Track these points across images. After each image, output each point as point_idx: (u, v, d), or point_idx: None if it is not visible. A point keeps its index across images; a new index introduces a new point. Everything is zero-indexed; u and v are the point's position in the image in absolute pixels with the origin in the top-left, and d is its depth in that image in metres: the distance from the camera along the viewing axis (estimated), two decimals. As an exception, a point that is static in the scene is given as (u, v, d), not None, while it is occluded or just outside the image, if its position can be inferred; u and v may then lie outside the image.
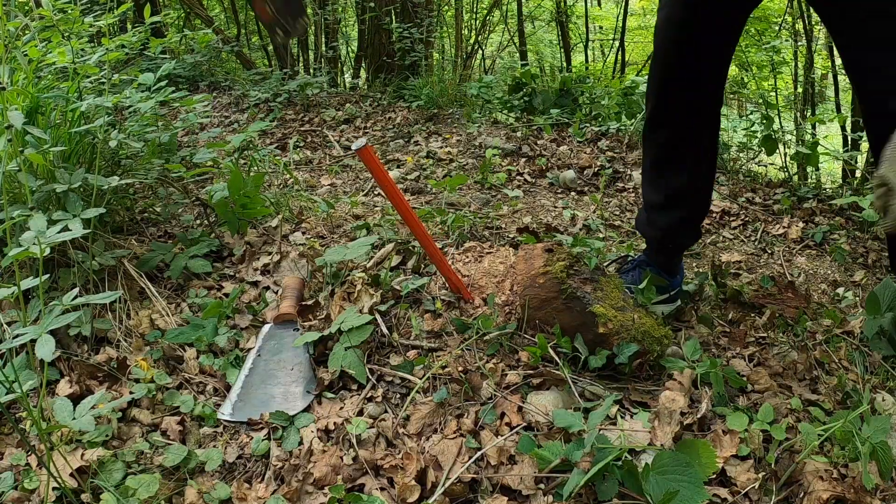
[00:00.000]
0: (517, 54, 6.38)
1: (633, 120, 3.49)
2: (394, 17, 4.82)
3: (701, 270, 1.95)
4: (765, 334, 1.65)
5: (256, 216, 1.94)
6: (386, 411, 1.32)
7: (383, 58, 4.75)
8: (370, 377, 1.39)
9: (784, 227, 2.41)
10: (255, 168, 2.49)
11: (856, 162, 3.38)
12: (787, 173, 3.26)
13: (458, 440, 1.21)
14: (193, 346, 1.51)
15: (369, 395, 1.35)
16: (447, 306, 1.55)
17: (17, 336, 1.07)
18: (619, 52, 6.31)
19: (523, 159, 3.01)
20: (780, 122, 3.55)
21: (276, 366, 1.45)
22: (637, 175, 2.90)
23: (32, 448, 1.20)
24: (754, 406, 1.38)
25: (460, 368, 1.36)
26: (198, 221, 2.00)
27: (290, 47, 5.28)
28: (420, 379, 1.36)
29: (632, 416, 1.29)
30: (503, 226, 2.19)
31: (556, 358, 1.38)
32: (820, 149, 3.01)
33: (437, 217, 2.05)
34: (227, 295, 1.69)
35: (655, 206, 1.65)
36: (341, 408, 1.33)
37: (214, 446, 1.27)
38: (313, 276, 1.74)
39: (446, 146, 3.21)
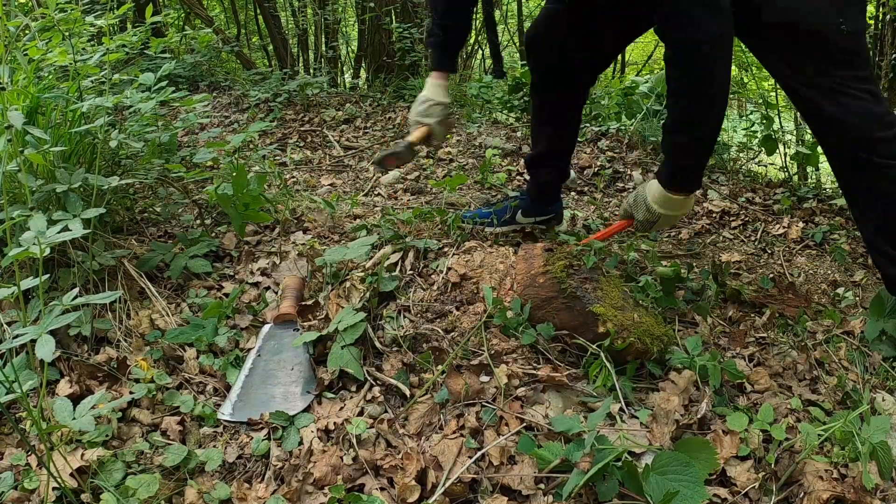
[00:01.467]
0: (517, 54, 6.37)
1: (633, 120, 3.49)
2: (394, 17, 4.82)
3: (698, 270, 1.94)
4: (765, 334, 1.65)
5: (257, 220, 1.93)
6: (386, 411, 1.32)
7: (383, 58, 4.74)
8: (369, 378, 1.39)
9: (784, 227, 2.41)
10: (258, 168, 2.49)
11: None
12: (787, 173, 3.26)
13: (459, 440, 1.21)
14: (193, 346, 1.51)
15: (369, 395, 1.35)
16: (445, 302, 1.55)
17: (17, 336, 1.07)
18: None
19: (523, 159, 3.01)
20: (780, 122, 3.55)
21: (276, 366, 1.45)
22: (637, 175, 2.90)
23: (32, 448, 1.20)
24: (754, 406, 1.38)
25: (460, 369, 1.36)
26: (197, 222, 2.00)
27: (291, 47, 5.28)
28: (418, 380, 1.36)
29: (632, 417, 1.29)
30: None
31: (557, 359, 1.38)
32: (820, 149, 3.01)
33: (436, 217, 2.05)
34: (227, 295, 1.69)
35: (535, 157, 2.10)
36: (341, 408, 1.33)
37: (214, 446, 1.27)
38: (313, 276, 1.74)
39: (446, 146, 3.21)
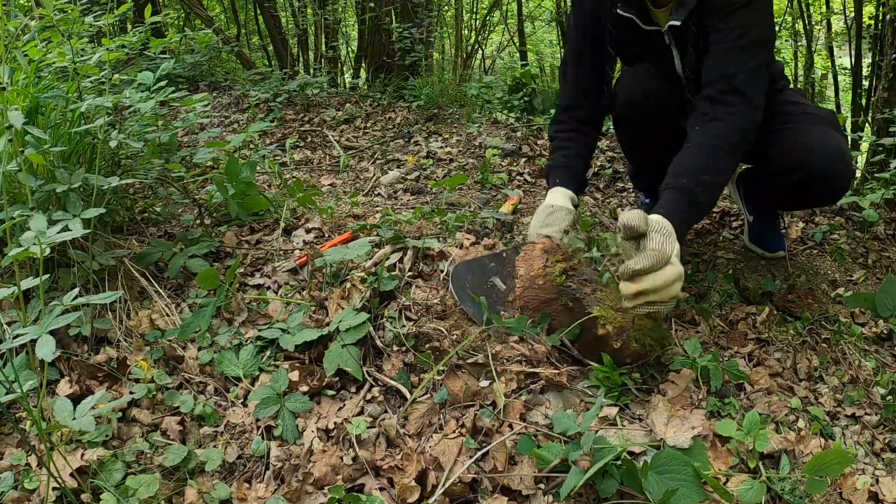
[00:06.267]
0: (517, 54, 6.38)
1: (633, 120, 3.48)
2: (394, 17, 4.81)
3: (703, 273, 1.94)
4: (765, 334, 1.64)
5: (255, 208, 1.93)
6: (386, 411, 1.32)
7: (383, 58, 4.74)
8: (368, 378, 1.39)
9: (784, 227, 2.40)
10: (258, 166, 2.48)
11: (856, 162, 3.37)
12: (787, 173, 3.25)
13: (459, 440, 1.21)
14: (195, 342, 1.51)
15: (369, 395, 1.35)
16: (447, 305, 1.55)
17: (17, 336, 1.07)
18: (619, 52, 6.27)
19: (523, 159, 3.01)
20: (780, 122, 3.54)
21: None
22: (637, 175, 2.90)
23: (32, 448, 1.20)
24: (752, 406, 1.38)
25: (461, 369, 1.36)
26: (197, 222, 2.00)
27: (291, 47, 5.28)
28: (419, 380, 1.36)
29: (631, 418, 1.29)
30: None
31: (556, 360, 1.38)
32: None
33: (436, 217, 2.05)
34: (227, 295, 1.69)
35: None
36: (341, 408, 1.33)
37: (214, 446, 1.27)
38: (313, 276, 1.74)
39: (446, 146, 3.21)
